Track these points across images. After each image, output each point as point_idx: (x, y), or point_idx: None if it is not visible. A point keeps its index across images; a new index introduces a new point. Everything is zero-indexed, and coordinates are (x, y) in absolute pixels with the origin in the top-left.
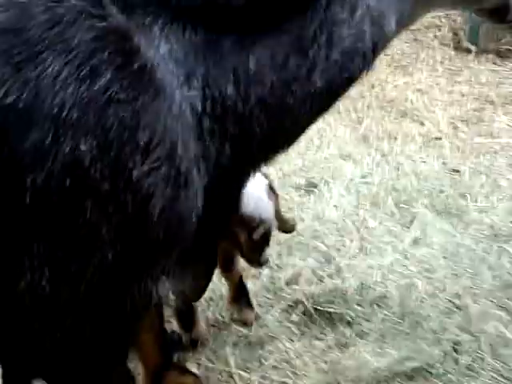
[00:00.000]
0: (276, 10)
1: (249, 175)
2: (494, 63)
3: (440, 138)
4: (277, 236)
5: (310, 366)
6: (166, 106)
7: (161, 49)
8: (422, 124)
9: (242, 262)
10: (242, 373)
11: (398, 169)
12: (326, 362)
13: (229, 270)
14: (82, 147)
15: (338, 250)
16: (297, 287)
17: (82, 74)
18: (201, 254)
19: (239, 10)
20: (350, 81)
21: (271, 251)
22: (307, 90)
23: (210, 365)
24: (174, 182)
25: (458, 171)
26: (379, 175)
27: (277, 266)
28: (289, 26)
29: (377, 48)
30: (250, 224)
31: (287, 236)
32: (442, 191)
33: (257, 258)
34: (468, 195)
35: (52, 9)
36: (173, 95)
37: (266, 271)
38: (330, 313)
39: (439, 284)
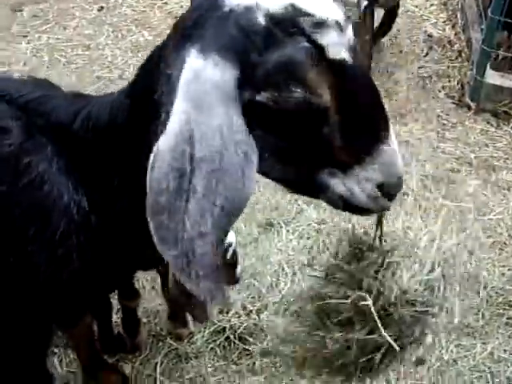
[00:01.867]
0: None
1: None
2: (489, 123)
3: (407, 194)
4: None
5: (219, 377)
6: (51, 206)
7: (53, 164)
8: None
9: None
10: (164, 379)
11: (351, 219)
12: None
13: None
14: None
15: (270, 289)
16: (226, 316)
17: None
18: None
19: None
20: None
21: None
22: None
23: (141, 368)
24: (53, 261)
25: None
26: (334, 223)
27: None
28: None
29: None
30: None
31: None
32: None
33: (232, 276)
34: None
35: None
36: (61, 198)
37: None
38: (248, 343)
39: None
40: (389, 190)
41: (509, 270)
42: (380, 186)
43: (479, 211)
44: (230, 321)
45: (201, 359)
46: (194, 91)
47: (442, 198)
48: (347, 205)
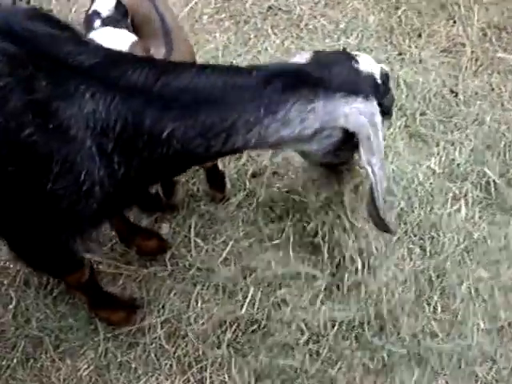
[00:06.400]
0: None
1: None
2: None
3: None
4: None
5: (250, 241)
6: (75, 149)
7: (85, 109)
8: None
9: None
10: (198, 240)
11: (398, 78)
12: (260, 241)
13: None
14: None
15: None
16: (258, 180)
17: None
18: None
19: None
20: None
21: None
22: None
23: (177, 228)
24: (76, 194)
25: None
26: None
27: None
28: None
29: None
30: None
31: None
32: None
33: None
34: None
35: None
36: (84, 141)
37: (242, 160)
38: (275, 208)
39: None
40: None
41: None
42: None
43: None
44: (260, 185)
45: (234, 222)
46: None
47: (502, 50)
48: None
